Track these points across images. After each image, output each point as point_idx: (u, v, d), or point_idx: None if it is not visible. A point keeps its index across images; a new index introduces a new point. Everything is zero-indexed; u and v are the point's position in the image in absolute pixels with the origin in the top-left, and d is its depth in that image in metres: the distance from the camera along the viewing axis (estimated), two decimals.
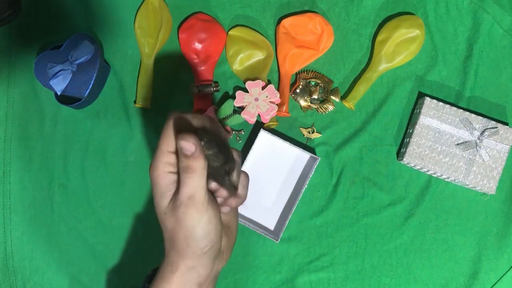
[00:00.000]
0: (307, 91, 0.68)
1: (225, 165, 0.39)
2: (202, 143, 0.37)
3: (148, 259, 0.67)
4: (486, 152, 0.64)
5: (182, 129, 0.38)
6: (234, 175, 0.41)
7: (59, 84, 0.65)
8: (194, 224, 0.37)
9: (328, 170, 0.67)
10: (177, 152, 0.38)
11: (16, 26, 0.69)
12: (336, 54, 0.69)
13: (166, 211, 0.38)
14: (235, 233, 0.44)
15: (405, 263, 0.66)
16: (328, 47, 0.68)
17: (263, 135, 0.65)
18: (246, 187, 0.42)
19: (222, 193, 0.39)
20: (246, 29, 0.69)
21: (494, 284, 0.66)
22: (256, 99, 0.65)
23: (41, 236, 0.67)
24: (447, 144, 0.64)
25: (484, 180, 0.64)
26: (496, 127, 0.64)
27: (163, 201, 0.38)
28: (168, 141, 0.38)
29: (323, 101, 0.68)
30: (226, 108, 0.65)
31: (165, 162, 0.38)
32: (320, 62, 0.69)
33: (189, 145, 0.35)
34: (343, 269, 0.66)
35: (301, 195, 0.64)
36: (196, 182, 0.36)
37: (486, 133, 0.64)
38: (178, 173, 0.38)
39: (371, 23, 0.69)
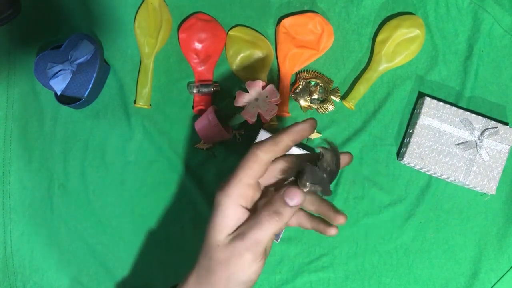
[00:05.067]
0: (307, 91, 0.68)
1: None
2: (308, 185, 0.35)
3: (148, 259, 0.67)
4: (486, 152, 0.64)
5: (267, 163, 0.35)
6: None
7: (59, 84, 0.65)
8: (244, 271, 0.35)
9: None
10: (257, 187, 0.36)
11: (16, 26, 0.69)
12: (336, 54, 0.69)
13: (220, 244, 0.35)
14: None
15: (405, 263, 0.66)
16: (328, 47, 0.68)
17: (263, 135, 0.65)
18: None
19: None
20: (246, 29, 0.69)
21: (494, 284, 0.66)
22: (256, 99, 0.65)
23: (41, 236, 0.67)
24: (447, 144, 0.64)
25: (484, 180, 0.64)
26: (496, 127, 0.64)
27: (221, 233, 0.35)
28: (250, 172, 0.35)
29: (323, 101, 0.68)
30: (226, 108, 0.65)
31: (240, 193, 0.35)
32: (320, 62, 0.69)
33: (298, 198, 0.34)
34: (343, 269, 0.66)
35: None
36: (273, 229, 0.34)
37: (486, 133, 0.64)
38: (249, 209, 0.36)
39: (371, 23, 0.69)
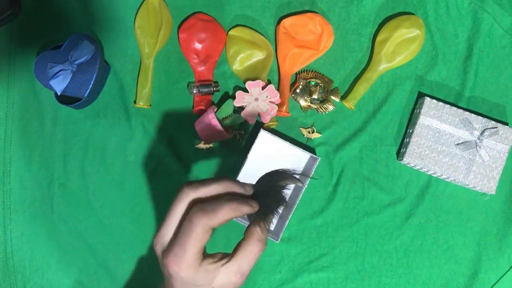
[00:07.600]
0: (307, 91, 0.68)
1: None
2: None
3: (147, 259, 0.67)
4: (486, 152, 0.64)
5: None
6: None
7: (59, 84, 0.65)
8: None
9: (328, 170, 0.67)
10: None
11: (16, 26, 0.69)
12: (336, 54, 0.69)
13: (207, 268, 0.37)
14: None
15: (405, 263, 0.66)
16: (328, 47, 0.68)
17: (263, 135, 0.65)
18: None
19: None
20: (246, 29, 0.69)
21: (494, 284, 0.66)
22: (256, 99, 0.65)
23: (41, 236, 0.67)
24: (447, 144, 0.64)
25: (484, 180, 0.64)
26: (496, 127, 0.64)
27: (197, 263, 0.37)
28: (197, 243, 0.36)
29: (323, 101, 0.68)
30: (226, 108, 0.65)
31: (194, 257, 0.36)
32: (320, 62, 0.69)
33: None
34: (343, 269, 0.66)
35: (301, 195, 0.64)
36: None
37: (486, 133, 0.64)
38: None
39: (371, 23, 0.69)
